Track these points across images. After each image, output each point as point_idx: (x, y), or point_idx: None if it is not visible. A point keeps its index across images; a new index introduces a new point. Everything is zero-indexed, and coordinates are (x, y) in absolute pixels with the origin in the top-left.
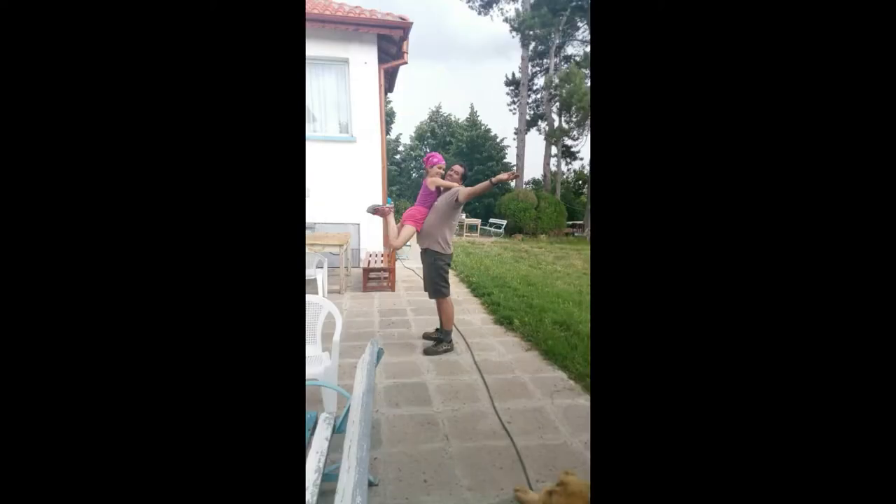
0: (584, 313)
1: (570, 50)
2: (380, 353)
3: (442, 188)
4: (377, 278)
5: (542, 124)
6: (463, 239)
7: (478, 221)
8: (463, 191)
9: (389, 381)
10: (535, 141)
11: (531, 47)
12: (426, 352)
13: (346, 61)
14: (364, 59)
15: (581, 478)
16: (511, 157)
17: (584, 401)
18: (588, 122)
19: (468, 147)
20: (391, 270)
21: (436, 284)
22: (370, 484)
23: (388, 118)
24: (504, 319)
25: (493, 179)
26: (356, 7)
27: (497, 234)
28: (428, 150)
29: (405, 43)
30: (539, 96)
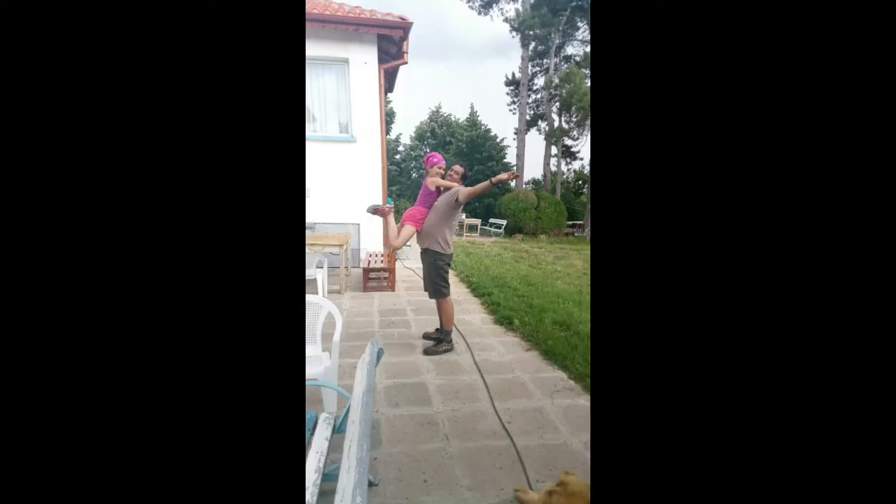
0: (584, 313)
1: (570, 50)
2: (380, 353)
3: (442, 188)
4: (377, 278)
5: (542, 124)
6: (463, 239)
7: (478, 221)
8: (463, 191)
9: (389, 381)
10: (535, 141)
11: (531, 47)
12: (426, 352)
13: (346, 61)
14: (364, 59)
15: (581, 478)
16: (511, 157)
17: (584, 401)
18: (588, 122)
19: (468, 147)
20: (391, 270)
21: (436, 284)
22: (370, 484)
23: (388, 118)
24: (504, 319)
25: (493, 179)
26: (356, 7)
27: (497, 234)
28: (428, 150)
29: (405, 43)
30: (539, 96)
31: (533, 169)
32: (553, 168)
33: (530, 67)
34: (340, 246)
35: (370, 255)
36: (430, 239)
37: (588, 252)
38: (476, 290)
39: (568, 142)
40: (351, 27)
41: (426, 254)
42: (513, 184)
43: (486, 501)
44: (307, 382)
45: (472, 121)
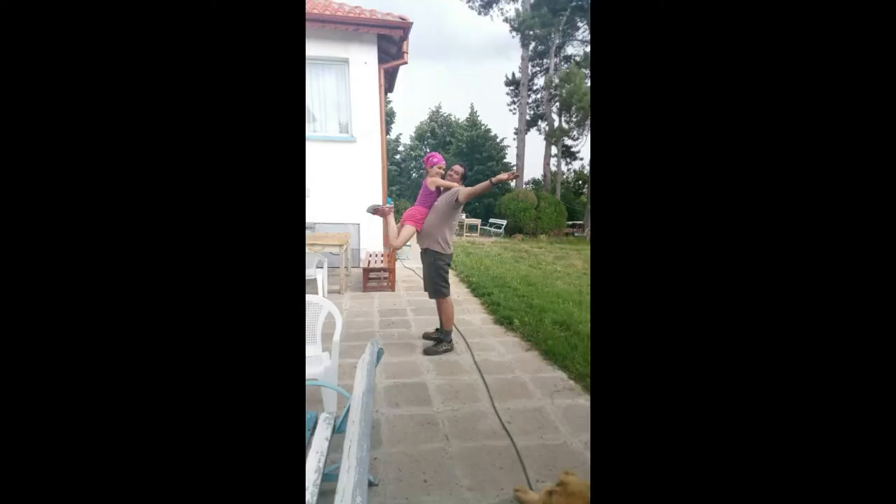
0: (584, 313)
1: (570, 50)
2: (380, 353)
3: (442, 188)
4: (377, 278)
5: (542, 124)
6: (463, 239)
7: (478, 221)
8: (463, 191)
9: (389, 381)
10: (535, 141)
11: (531, 47)
12: (426, 352)
13: (346, 61)
14: (364, 59)
15: (581, 478)
16: (511, 157)
17: (584, 401)
18: (588, 122)
19: (468, 147)
20: (391, 270)
21: (436, 284)
22: (370, 484)
23: (388, 118)
24: (504, 319)
25: (493, 179)
26: (356, 7)
27: (497, 234)
28: (428, 150)
29: (405, 43)
30: (539, 96)
31: (533, 169)
32: (553, 168)
33: (530, 67)
34: (340, 246)
35: (370, 255)
36: (430, 239)
37: (588, 252)
38: (476, 290)
39: (568, 142)
40: (351, 27)
41: (426, 254)
42: (513, 184)
43: (486, 501)
44: (307, 382)
45: (472, 121)
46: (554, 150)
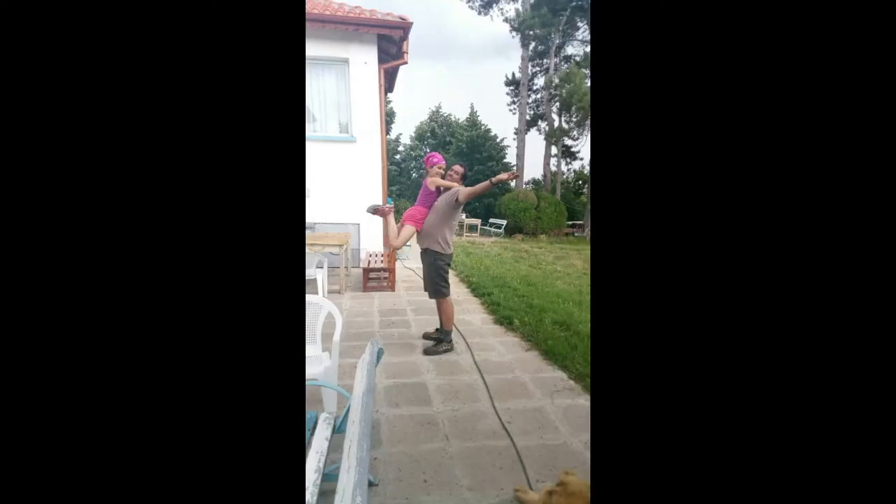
0: (584, 313)
1: (570, 50)
2: (380, 353)
3: (442, 188)
4: (377, 278)
5: (542, 124)
6: (463, 239)
7: (478, 221)
8: (463, 191)
9: (389, 381)
10: (535, 141)
11: (531, 47)
12: (426, 352)
13: (346, 61)
14: (364, 59)
15: (581, 478)
16: (511, 157)
17: (584, 401)
18: (588, 122)
19: (468, 147)
20: (391, 270)
21: (436, 284)
22: (370, 484)
23: (388, 118)
24: (504, 319)
25: (493, 179)
26: (356, 7)
27: (497, 234)
28: (428, 150)
29: (405, 43)
30: (539, 96)
31: (533, 169)
32: (553, 168)
33: (530, 67)
34: (340, 246)
35: (370, 255)
36: (430, 239)
37: (588, 252)
38: (476, 290)
39: (568, 142)
40: (351, 27)
41: (426, 254)
42: (513, 184)
43: (486, 501)
44: (307, 382)
45: (472, 121)
46: (554, 150)
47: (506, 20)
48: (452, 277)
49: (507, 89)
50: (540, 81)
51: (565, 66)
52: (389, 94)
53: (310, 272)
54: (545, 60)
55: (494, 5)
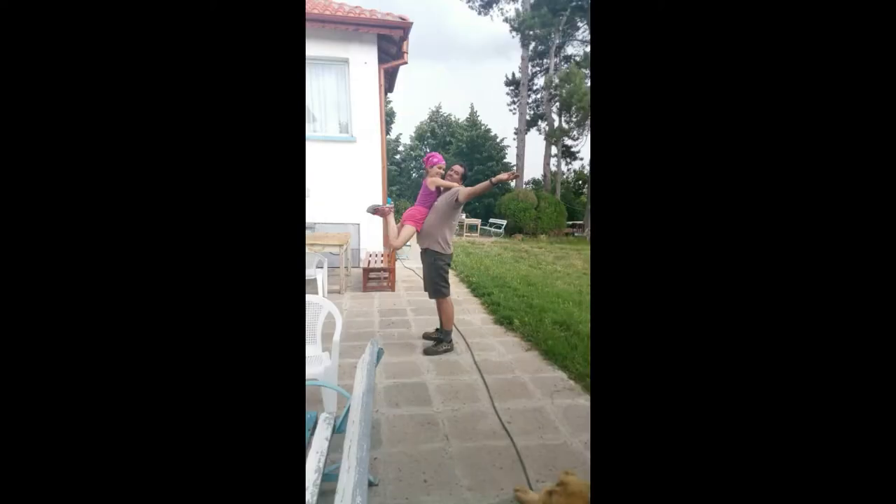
0: (584, 313)
1: (570, 50)
2: (380, 353)
3: (442, 188)
4: (377, 278)
5: (542, 124)
6: (463, 239)
7: (478, 221)
8: (463, 191)
9: (389, 381)
10: (535, 141)
11: (531, 47)
12: (426, 352)
13: (346, 61)
14: (364, 59)
15: (581, 478)
16: (511, 157)
17: (584, 401)
18: (588, 122)
19: (468, 147)
20: (391, 270)
21: (436, 284)
22: (370, 484)
23: (388, 118)
24: (504, 319)
25: (493, 179)
26: (356, 7)
27: (497, 234)
28: (428, 150)
29: (405, 43)
30: (539, 96)
31: (533, 169)
32: (553, 168)
33: (530, 67)
34: (340, 246)
35: (370, 255)
36: (430, 239)
37: (588, 252)
38: (476, 290)
39: (568, 142)
40: (351, 27)
41: (426, 254)
42: (513, 184)
43: (486, 501)
44: (307, 382)
45: (472, 121)
46: (554, 150)
47: (506, 20)
48: (452, 277)
49: (507, 89)
50: (540, 81)
51: (565, 66)
52: (389, 94)
53: (310, 272)
54: (545, 60)
55: (494, 5)
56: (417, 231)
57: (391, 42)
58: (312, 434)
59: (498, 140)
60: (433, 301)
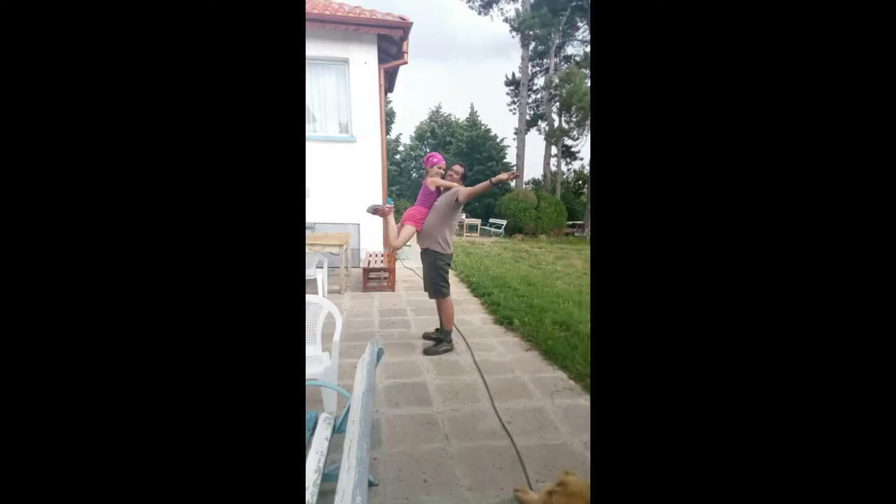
0: (584, 313)
1: (570, 50)
2: (380, 353)
3: (442, 188)
4: (377, 278)
5: (542, 124)
6: (463, 239)
7: (478, 221)
8: (463, 191)
9: (389, 381)
10: (535, 141)
11: (531, 47)
12: (426, 352)
13: (346, 61)
14: (364, 59)
15: (581, 478)
16: (511, 157)
17: (584, 401)
18: (588, 122)
19: (468, 147)
20: (391, 270)
21: (436, 284)
22: (370, 484)
23: (388, 118)
24: (504, 319)
25: (493, 179)
26: (356, 7)
27: (497, 234)
28: (428, 150)
29: (405, 43)
30: (539, 96)
31: (533, 169)
32: (553, 168)
33: (530, 67)
34: (340, 246)
35: (370, 255)
36: (430, 239)
37: (588, 252)
38: (476, 290)
39: (568, 142)
40: (351, 27)
41: (426, 254)
42: (513, 184)
43: (486, 501)
44: (307, 382)
45: (472, 121)
46: (554, 150)
47: (506, 20)
48: (452, 277)
49: (507, 89)
50: (540, 81)
51: (565, 66)
52: (389, 94)
53: (310, 272)
54: (545, 60)
55: (494, 5)
56: (417, 231)
57: (391, 42)
58: (312, 434)
59: (498, 140)
60: (433, 301)
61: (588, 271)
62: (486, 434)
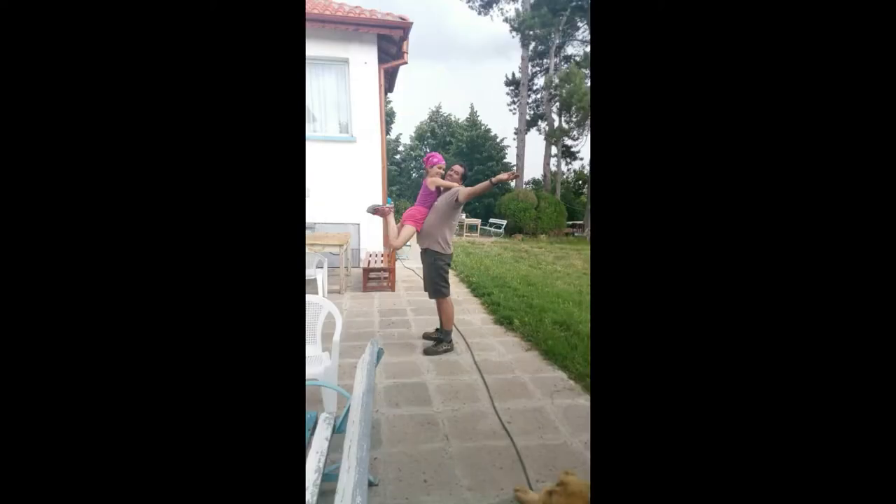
0: (584, 313)
1: (570, 50)
2: (380, 353)
3: (442, 188)
4: (377, 278)
5: (542, 124)
6: (463, 239)
7: (478, 221)
8: (463, 191)
9: (389, 381)
10: (535, 141)
11: (531, 47)
12: (426, 352)
13: (346, 61)
14: (364, 59)
15: (581, 478)
16: (511, 157)
17: (584, 401)
18: (588, 122)
19: (468, 147)
20: (391, 270)
21: (436, 284)
22: (370, 484)
23: (388, 118)
24: (504, 319)
25: (493, 179)
26: (356, 7)
27: (497, 234)
28: (428, 150)
29: (405, 43)
30: (539, 96)
31: (533, 169)
32: (553, 168)
33: (530, 67)
34: (340, 246)
35: (370, 255)
36: (430, 239)
37: (588, 252)
38: (476, 290)
39: (568, 142)
40: (351, 27)
41: (426, 254)
42: (513, 184)
43: (486, 501)
44: (307, 382)
45: (472, 121)
46: (554, 150)
47: (506, 20)
48: (452, 277)
49: (507, 89)
50: (540, 81)
51: (565, 66)
52: (389, 94)
53: (310, 272)
54: (545, 60)
55: (494, 5)
56: (417, 231)
57: (391, 42)
58: (312, 434)
59: (498, 140)
60: (433, 301)
61: (588, 271)
62: (486, 434)
